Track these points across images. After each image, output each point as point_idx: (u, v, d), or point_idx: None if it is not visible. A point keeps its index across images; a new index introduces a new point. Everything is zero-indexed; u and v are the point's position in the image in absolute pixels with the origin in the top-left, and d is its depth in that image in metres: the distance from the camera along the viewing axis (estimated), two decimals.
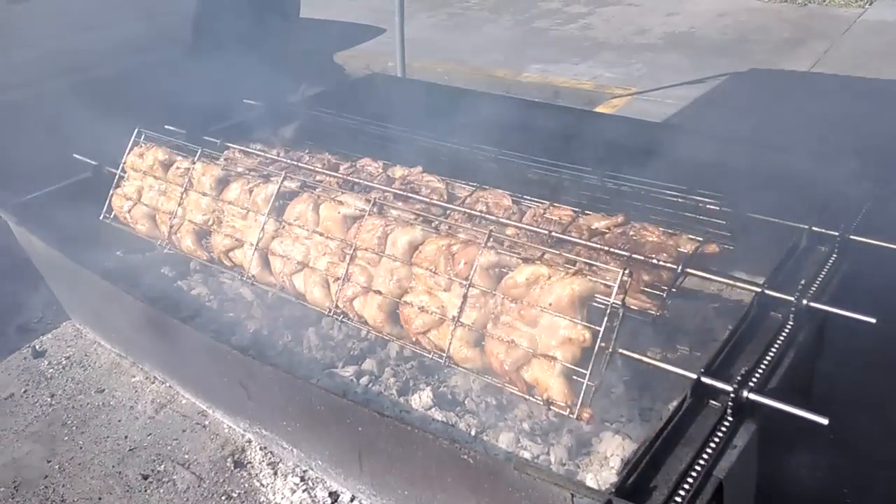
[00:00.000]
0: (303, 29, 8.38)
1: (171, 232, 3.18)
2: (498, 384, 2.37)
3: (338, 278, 2.67)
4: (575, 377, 2.17)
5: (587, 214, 2.80)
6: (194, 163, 3.15)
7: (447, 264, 2.44)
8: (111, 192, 3.42)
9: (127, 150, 3.47)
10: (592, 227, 2.75)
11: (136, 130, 3.44)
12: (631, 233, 2.69)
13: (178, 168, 3.25)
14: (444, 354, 2.42)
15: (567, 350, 2.18)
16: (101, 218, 3.40)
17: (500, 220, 2.77)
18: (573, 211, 2.79)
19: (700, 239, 2.59)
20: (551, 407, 2.21)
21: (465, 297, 2.37)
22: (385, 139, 3.89)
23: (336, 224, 2.75)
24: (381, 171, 3.26)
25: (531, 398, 2.28)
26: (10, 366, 3.29)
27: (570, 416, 2.15)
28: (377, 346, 3.03)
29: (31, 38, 5.42)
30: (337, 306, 2.69)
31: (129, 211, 3.35)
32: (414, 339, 2.54)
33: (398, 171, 3.24)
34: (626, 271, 2.13)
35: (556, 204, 2.84)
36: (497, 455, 2.43)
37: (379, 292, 2.58)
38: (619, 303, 2.10)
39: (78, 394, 3.11)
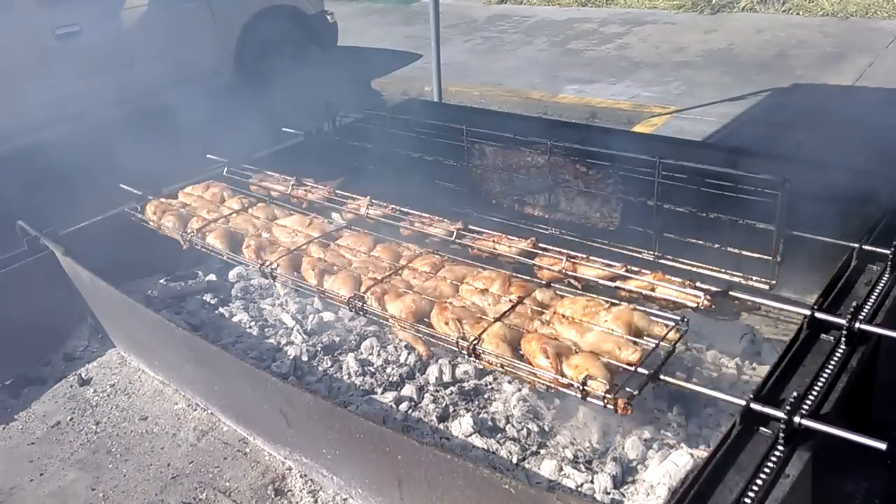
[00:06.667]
0: (340, 57, 8.50)
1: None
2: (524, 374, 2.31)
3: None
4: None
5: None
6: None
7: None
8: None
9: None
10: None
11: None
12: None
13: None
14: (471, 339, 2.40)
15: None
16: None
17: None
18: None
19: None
20: (587, 394, 2.11)
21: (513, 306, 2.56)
22: None
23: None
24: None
25: (565, 382, 2.18)
26: (57, 394, 3.35)
27: (607, 404, 2.07)
28: (416, 372, 3.02)
29: (78, 71, 5.59)
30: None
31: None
32: (445, 321, 2.53)
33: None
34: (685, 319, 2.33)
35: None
36: (539, 484, 2.38)
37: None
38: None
39: (122, 421, 3.15)
